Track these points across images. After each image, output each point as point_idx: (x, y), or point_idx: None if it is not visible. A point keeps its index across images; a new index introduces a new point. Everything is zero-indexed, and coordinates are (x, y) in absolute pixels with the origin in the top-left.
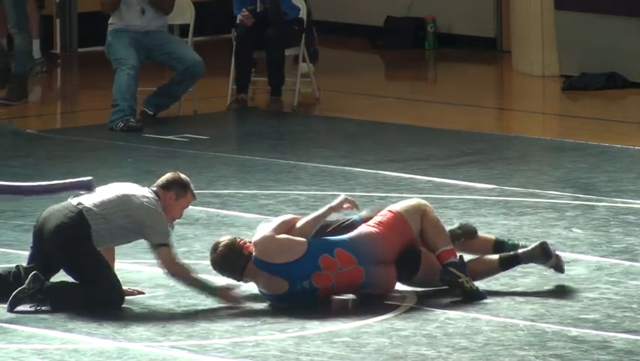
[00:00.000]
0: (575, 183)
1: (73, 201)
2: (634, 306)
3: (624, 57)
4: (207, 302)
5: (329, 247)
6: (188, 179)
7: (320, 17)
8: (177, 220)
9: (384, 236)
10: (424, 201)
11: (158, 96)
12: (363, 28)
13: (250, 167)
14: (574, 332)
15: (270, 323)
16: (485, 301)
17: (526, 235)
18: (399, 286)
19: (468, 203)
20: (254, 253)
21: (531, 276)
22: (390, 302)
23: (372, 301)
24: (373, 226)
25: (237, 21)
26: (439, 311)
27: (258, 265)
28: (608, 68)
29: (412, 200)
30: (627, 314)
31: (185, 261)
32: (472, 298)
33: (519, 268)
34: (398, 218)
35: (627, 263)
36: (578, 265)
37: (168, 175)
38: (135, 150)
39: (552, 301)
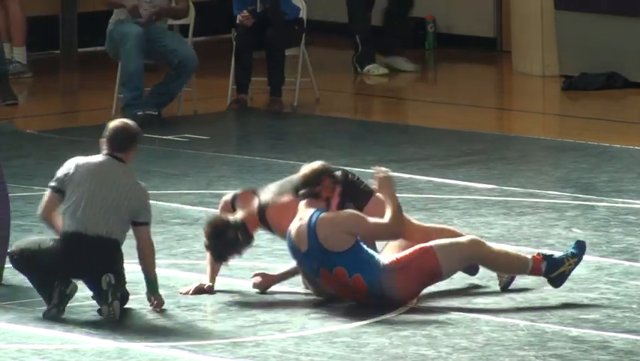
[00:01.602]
0: (575, 183)
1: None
2: (634, 306)
3: (624, 57)
4: (207, 302)
5: (353, 268)
6: (134, 126)
7: (320, 17)
8: (177, 220)
9: (405, 282)
10: (471, 243)
11: (156, 96)
12: None
13: (250, 167)
14: (574, 332)
15: (270, 323)
16: (485, 301)
17: (526, 235)
18: None
19: (468, 203)
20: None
21: (531, 276)
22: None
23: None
24: (399, 265)
25: (237, 21)
26: (439, 311)
27: (310, 222)
28: (608, 68)
29: (460, 239)
30: (627, 314)
31: (185, 261)
32: (582, 256)
33: None
34: (428, 254)
35: (627, 263)
36: (578, 265)
37: (117, 130)
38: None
39: (552, 301)
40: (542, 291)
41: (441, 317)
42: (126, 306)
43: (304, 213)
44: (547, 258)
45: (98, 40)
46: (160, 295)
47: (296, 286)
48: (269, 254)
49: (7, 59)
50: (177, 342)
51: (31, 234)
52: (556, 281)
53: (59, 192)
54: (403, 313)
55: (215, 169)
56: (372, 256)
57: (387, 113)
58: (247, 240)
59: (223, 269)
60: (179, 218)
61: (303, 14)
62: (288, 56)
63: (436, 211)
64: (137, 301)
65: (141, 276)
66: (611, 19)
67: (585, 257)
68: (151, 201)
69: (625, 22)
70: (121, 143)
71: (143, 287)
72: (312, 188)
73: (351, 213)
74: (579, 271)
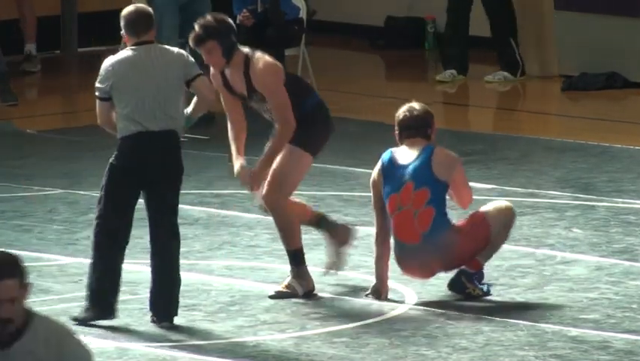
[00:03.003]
0: (575, 183)
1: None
2: (634, 306)
3: (624, 57)
4: (207, 302)
5: (434, 199)
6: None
7: (320, 17)
8: (177, 221)
9: (461, 248)
10: (511, 212)
11: None
12: (363, 28)
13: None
14: (574, 332)
15: (270, 323)
16: (485, 301)
17: (526, 235)
18: (398, 286)
19: None
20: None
21: (531, 276)
22: (390, 302)
23: (372, 301)
24: (462, 231)
25: (237, 21)
26: (439, 311)
27: (426, 146)
28: (608, 68)
29: (503, 207)
30: (627, 314)
31: (185, 261)
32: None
33: (519, 269)
34: (484, 225)
35: (627, 263)
36: (578, 265)
37: (134, 14)
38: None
39: (552, 301)
40: (542, 291)
41: (441, 317)
42: (124, 306)
43: (415, 144)
44: (477, 273)
45: (98, 40)
46: (186, 130)
47: None
48: (268, 254)
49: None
50: (177, 342)
51: (31, 234)
52: (456, 281)
53: (107, 99)
54: (403, 313)
55: (215, 169)
56: (447, 212)
57: (388, 113)
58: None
59: (222, 269)
60: (180, 218)
61: (303, 14)
62: (288, 56)
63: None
64: (137, 301)
65: (141, 276)
66: (611, 19)
67: (585, 257)
68: None
69: (625, 22)
70: (144, 25)
71: (142, 287)
72: (425, 129)
73: (460, 160)
74: (579, 271)
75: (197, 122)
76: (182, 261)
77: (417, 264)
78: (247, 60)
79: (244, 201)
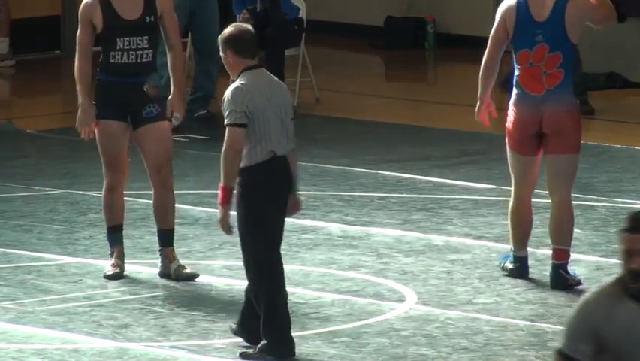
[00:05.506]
0: (575, 183)
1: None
2: None
3: (624, 57)
4: (207, 302)
5: (565, 63)
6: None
7: (320, 17)
8: (177, 220)
9: (570, 121)
10: None
11: (198, 100)
12: (363, 28)
13: None
14: None
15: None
16: (485, 301)
17: None
18: (398, 286)
19: (468, 203)
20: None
21: (531, 276)
22: (390, 302)
23: (374, 298)
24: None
25: (237, 21)
26: (439, 311)
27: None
28: (608, 68)
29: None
30: None
31: (185, 261)
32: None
33: None
34: (580, 136)
35: None
36: (578, 265)
37: (246, 34)
38: (135, 149)
39: (552, 301)
40: (542, 291)
41: (441, 317)
42: (124, 305)
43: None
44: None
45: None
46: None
47: (295, 286)
48: None
49: None
50: (177, 342)
51: (31, 234)
52: (559, 276)
53: (245, 125)
54: (403, 313)
55: (215, 169)
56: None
57: (387, 113)
58: None
59: (222, 269)
60: (179, 218)
61: (303, 14)
62: (288, 56)
63: (436, 211)
64: (137, 301)
65: (141, 276)
66: None
67: (585, 257)
68: (150, 201)
69: (625, 22)
70: (256, 46)
71: (143, 287)
72: None
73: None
74: (579, 271)
75: (199, 121)
76: (182, 261)
77: (530, 112)
78: None
79: None
